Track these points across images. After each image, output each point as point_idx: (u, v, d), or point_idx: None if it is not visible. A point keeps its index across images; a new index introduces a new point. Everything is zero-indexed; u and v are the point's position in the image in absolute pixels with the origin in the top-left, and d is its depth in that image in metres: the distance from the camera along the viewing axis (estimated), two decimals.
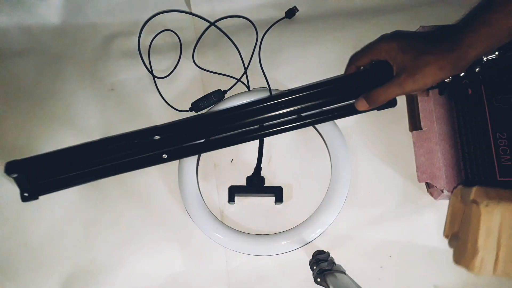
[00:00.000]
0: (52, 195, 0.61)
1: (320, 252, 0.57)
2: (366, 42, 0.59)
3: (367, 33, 0.63)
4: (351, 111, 0.57)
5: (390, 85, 0.51)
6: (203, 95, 0.64)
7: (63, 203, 0.62)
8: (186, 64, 0.66)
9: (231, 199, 0.59)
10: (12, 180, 0.58)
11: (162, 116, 0.65)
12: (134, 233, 0.60)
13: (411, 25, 0.62)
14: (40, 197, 0.60)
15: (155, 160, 0.58)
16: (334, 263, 0.55)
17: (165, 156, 0.58)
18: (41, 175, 0.59)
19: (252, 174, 0.61)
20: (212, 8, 0.69)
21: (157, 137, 0.57)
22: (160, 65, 0.67)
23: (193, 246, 0.60)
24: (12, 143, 0.63)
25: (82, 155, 0.58)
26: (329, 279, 0.51)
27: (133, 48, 0.67)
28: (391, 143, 0.62)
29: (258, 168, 0.61)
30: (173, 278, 0.59)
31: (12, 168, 0.57)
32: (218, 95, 0.63)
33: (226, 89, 0.65)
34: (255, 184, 0.60)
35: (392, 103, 0.57)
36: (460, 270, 0.56)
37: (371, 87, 0.53)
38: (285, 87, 0.64)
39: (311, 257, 0.58)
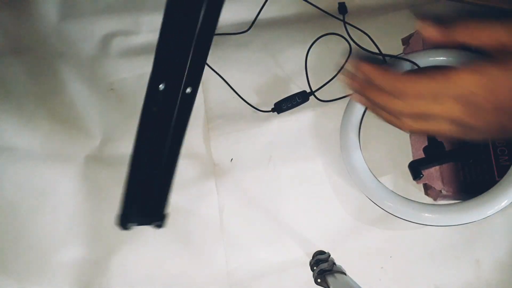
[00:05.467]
0: (53, 196, 0.61)
1: (320, 253, 0.57)
2: (366, 42, 0.59)
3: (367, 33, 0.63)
4: None
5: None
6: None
7: (64, 204, 0.62)
8: None
9: (416, 176, 0.52)
10: None
11: None
12: (134, 233, 0.60)
13: (409, 26, 0.63)
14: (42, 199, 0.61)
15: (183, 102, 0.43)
16: (334, 263, 0.55)
17: (188, 90, 0.43)
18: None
19: (427, 144, 0.55)
20: None
21: (161, 87, 0.44)
22: None
23: (193, 246, 0.60)
24: (10, 142, 0.63)
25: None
26: (330, 280, 0.51)
27: (132, 46, 0.67)
28: (390, 145, 0.62)
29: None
30: (173, 278, 0.59)
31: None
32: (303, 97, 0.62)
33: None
34: (437, 152, 0.53)
35: None
36: (461, 271, 0.57)
37: None
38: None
39: (311, 258, 0.58)
